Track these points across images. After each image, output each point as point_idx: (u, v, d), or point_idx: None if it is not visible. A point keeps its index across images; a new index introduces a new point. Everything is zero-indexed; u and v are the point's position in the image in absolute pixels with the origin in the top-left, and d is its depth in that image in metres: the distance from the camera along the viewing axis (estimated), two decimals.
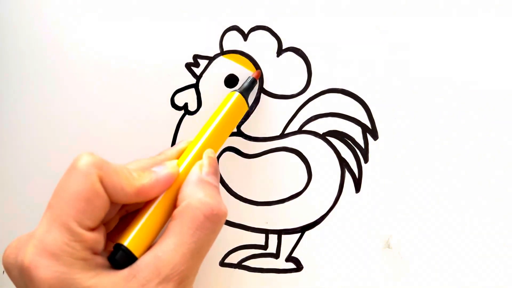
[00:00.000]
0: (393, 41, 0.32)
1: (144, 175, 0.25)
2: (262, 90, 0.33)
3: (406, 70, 0.33)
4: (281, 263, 0.34)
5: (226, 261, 0.34)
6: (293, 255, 0.34)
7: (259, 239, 0.34)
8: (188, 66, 0.33)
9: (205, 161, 0.27)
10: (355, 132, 0.33)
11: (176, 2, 0.33)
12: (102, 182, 0.23)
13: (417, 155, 0.33)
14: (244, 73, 0.33)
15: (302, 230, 0.34)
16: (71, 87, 0.34)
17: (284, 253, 0.34)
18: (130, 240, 0.24)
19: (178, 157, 0.28)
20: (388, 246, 0.33)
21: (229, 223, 0.34)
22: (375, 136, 0.33)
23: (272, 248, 0.34)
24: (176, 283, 0.23)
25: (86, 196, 0.23)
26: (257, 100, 0.33)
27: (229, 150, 0.34)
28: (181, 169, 0.26)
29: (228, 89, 0.33)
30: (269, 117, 0.33)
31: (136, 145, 0.34)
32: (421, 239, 0.33)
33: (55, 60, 0.34)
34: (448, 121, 0.33)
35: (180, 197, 0.25)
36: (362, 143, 0.33)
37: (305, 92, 0.33)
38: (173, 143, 0.34)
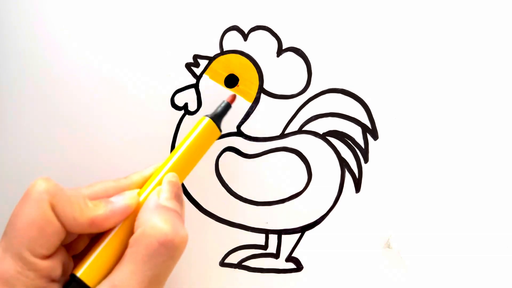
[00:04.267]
0: (393, 41, 0.32)
1: (100, 205, 0.25)
2: (262, 90, 0.33)
3: (406, 70, 0.33)
4: (281, 263, 0.34)
5: (226, 261, 0.34)
6: (293, 255, 0.34)
7: (259, 239, 0.34)
8: (188, 66, 0.33)
9: (164, 186, 0.26)
10: (355, 132, 0.33)
11: (176, 2, 0.33)
12: (54, 210, 0.23)
13: (417, 155, 0.33)
14: (245, 73, 0.33)
15: (302, 230, 0.34)
16: (71, 87, 0.34)
17: (284, 253, 0.34)
18: (84, 270, 0.24)
19: (143, 183, 0.27)
20: (388, 246, 0.33)
21: (229, 223, 0.34)
22: (375, 136, 0.33)
23: (272, 248, 0.34)
24: None
25: (38, 224, 0.23)
26: (257, 100, 0.33)
27: (229, 150, 0.34)
28: (142, 197, 0.26)
29: (228, 89, 0.33)
30: (269, 117, 0.33)
31: (136, 145, 0.34)
32: (421, 239, 0.33)
33: (54, 60, 0.34)
34: (448, 121, 0.33)
35: (136, 224, 0.24)
36: (362, 143, 0.33)
37: (305, 92, 0.33)
38: (173, 143, 0.34)
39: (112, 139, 0.34)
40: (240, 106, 0.33)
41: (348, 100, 0.33)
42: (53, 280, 0.23)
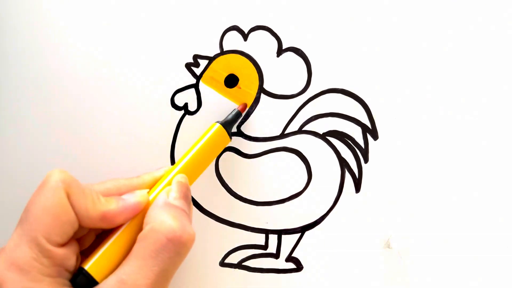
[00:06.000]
0: (393, 41, 0.33)
1: (111, 201, 0.25)
2: (262, 90, 0.33)
3: (406, 70, 0.33)
4: (281, 263, 0.34)
5: (226, 261, 0.34)
6: (293, 255, 0.34)
7: (259, 239, 0.34)
8: (188, 66, 0.33)
9: (173, 186, 0.27)
10: (355, 132, 0.33)
11: (176, 2, 0.33)
12: (68, 199, 0.24)
13: (417, 155, 0.33)
14: (245, 73, 0.33)
15: (302, 230, 0.34)
16: (71, 87, 0.34)
17: (284, 253, 0.34)
18: (92, 264, 0.24)
19: (154, 184, 0.28)
20: (388, 246, 0.33)
21: (229, 223, 0.34)
22: (375, 136, 0.33)
23: (272, 248, 0.34)
24: None
25: (54, 211, 0.23)
26: (257, 100, 0.33)
27: (229, 150, 0.34)
28: (151, 196, 0.27)
29: (228, 89, 0.33)
30: (269, 117, 0.33)
31: (136, 145, 0.34)
32: (421, 239, 0.33)
33: (54, 60, 0.34)
34: (448, 121, 0.33)
35: (145, 221, 0.25)
36: (362, 143, 0.33)
37: (305, 92, 0.33)
38: (173, 143, 0.34)
39: (112, 139, 0.34)
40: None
41: (348, 100, 0.33)
42: (66, 270, 0.23)
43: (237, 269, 0.34)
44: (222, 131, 0.30)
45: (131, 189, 0.27)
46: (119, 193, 0.27)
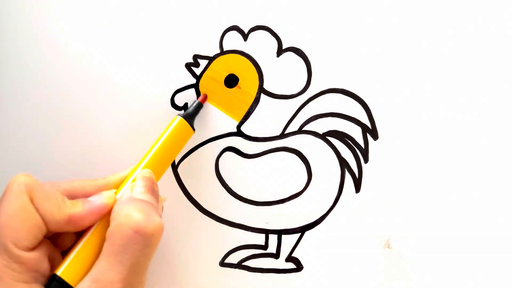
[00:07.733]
0: (393, 41, 0.33)
1: (77, 204, 0.25)
2: (262, 90, 0.33)
3: (406, 70, 0.33)
4: (281, 263, 0.34)
5: (226, 261, 0.34)
6: (293, 255, 0.34)
7: (259, 239, 0.34)
8: (188, 66, 0.33)
9: (137, 181, 0.27)
10: (355, 132, 0.33)
11: (176, 2, 0.33)
12: (32, 203, 0.23)
13: (417, 155, 0.33)
14: (245, 73, 0.33)
15: (302, 230, 0.34)
16: (71, 87, 0.34)
17: (284, 253, 0.34)
18: (64, 269, 0.24)
19: (120, 184, 0.28)
20: (388, 246, 0.33)
21: (229, 223, 0.34)
22: (375, 136, 0.33)
23: (272, 248, 0.34)
24: None
25: (19, 216, 0.23)
26: (257, 100, 0.33)
27: (229, 150, 0.34)
28: (118, 196, 0.27)
29: (227, 89, 0.33)
30: (269, 117, 0.33)
31: (136, 145, 0.34)
32: (421, 239, 0.33)
33: (54, 60, 0.34)
34: (448, 121, 0.33)
35: (111, 218, 0.25)
36: (362, 143, 0.33)
37: (305, 92, 0.33)
38: None
39: (112, 139, 0.34)
40: None
41: (348, 100, 0.33)
42: (42, 274, 0.23)
43: (237, 269, 0.34)
44: (184, 123, 0.30)
45: (97, 189, 0.27)
46: (84, 193, 0.27)
